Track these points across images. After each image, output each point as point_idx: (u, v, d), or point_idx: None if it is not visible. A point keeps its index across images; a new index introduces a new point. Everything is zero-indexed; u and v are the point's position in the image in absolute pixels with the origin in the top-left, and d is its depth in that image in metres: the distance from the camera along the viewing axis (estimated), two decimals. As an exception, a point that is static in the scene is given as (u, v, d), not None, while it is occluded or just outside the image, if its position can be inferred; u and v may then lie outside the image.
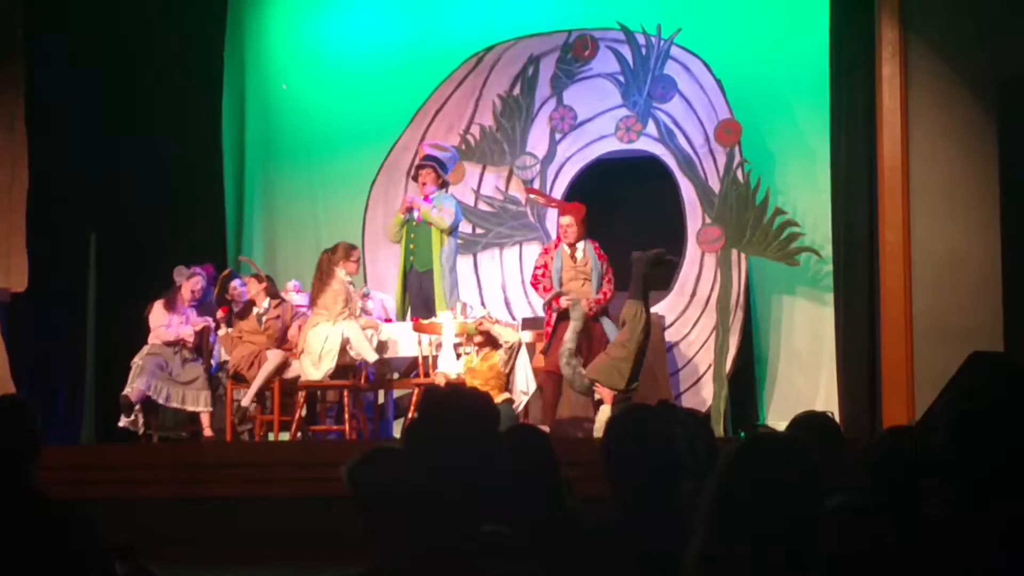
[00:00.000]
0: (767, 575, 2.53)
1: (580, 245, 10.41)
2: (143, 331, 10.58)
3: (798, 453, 2.67)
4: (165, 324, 10.47)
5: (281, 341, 10.48)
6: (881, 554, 3.31)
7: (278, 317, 10.54)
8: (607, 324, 10.22)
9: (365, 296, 10.55)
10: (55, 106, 11.42)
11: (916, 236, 10.08)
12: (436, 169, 10.92)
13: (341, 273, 10.15)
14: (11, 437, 4.01)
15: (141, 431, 10.51)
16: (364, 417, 10.49)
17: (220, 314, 10.74)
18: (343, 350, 9.96)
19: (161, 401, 10.39)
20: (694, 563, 2.60)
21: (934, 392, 8.27)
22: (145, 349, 10.50)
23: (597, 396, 9.83)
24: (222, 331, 10.68)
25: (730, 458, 2.67)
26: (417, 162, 11.25)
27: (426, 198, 10.86)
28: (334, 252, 10.29)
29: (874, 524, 3.33)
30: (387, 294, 11.21)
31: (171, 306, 10.52)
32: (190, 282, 10.62)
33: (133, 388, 10.35)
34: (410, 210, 10.89)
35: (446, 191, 11.15)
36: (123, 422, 10.51)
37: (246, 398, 10.23)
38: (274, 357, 10.14)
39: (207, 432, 10.42)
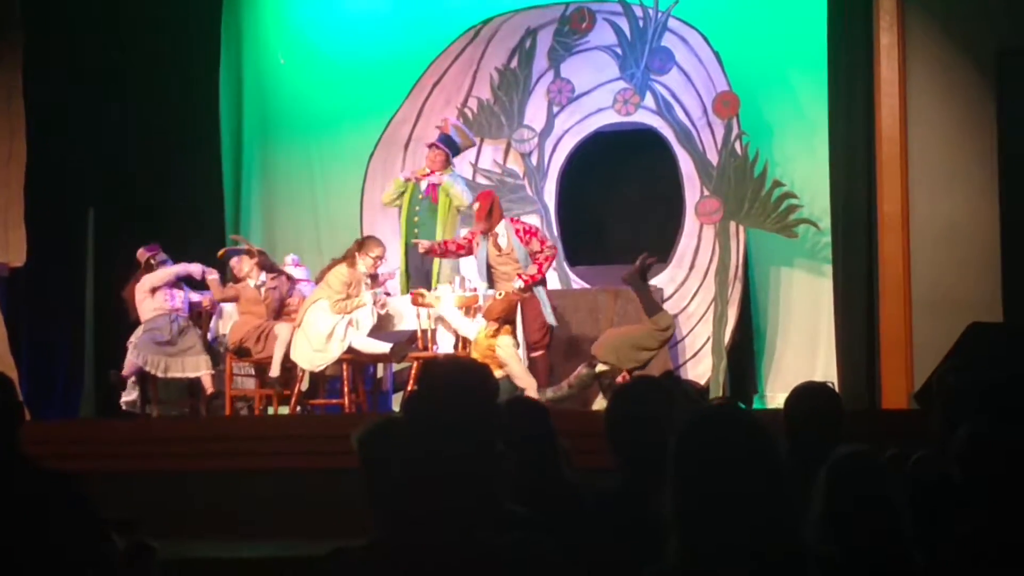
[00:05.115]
0: (750, 543, 2.48)
1: (500, 230, 10.16)
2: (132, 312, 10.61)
3: (744, 423, 2.56)
4: (150, 290, 10.49)
5: (279, 312, 10.49)
6: (882, 512, 3.32)
7: (275, 288, 10.54)
8: (540, 295, 10.07)
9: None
10: (53, 80, 11.39)
11: (914, 207, 10.08)
12: (448, 155, 10.87)
13: (361, 265, 10.13)
14: None
15: (139, 409, 10.54)
16: (363, 390, 10.51)
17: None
18: (349, 349, 9.99)
19: (160, 374, 10.39)
20: (672, 552, 2.54)
21: (933, 363, 8.30)
22: (140, 328, 10.50)
23: (599, 368, 9.81)
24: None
25: (677, 443, 2.57)
26: (438, 136, 11.08)
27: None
28: (360, 242, 10.29)
29: (878, 479, 3.35)
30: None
31: (148, 283, 10.56)
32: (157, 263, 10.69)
33: (127, 363, 10.38)
34: (419, 179, 10.81)
35: (452, 169, 11.05)
36: (124, 401, 10.55)
37: (273, 370, 10.17)
38: (284, 331, 10.13)
39: (209, 390, 10.41)
